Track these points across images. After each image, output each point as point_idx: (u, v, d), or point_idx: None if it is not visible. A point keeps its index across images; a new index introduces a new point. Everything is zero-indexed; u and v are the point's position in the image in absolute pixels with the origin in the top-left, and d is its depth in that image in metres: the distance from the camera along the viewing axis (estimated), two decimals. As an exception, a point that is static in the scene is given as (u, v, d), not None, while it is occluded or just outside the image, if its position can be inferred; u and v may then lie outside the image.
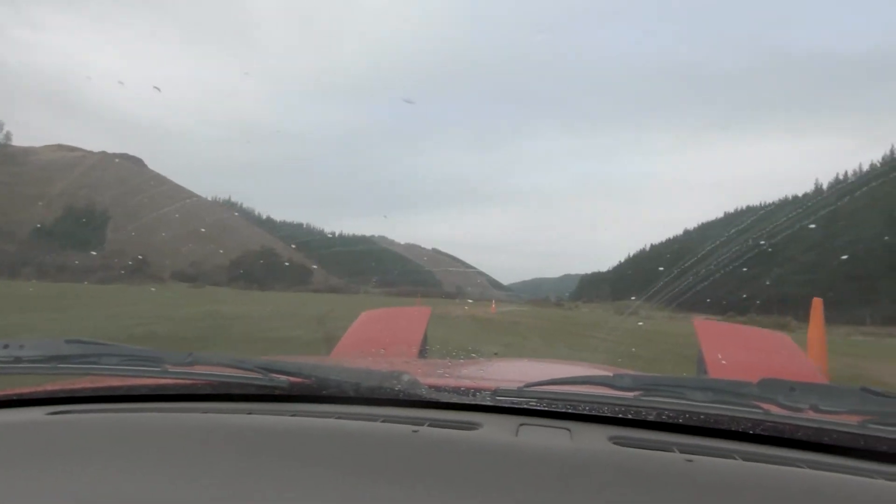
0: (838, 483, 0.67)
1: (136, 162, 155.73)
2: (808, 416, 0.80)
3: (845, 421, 0.80)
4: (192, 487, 0.62)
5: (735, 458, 0.74)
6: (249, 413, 0.89)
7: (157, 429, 0.81)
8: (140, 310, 14.16)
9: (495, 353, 6.88)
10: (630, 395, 0.89)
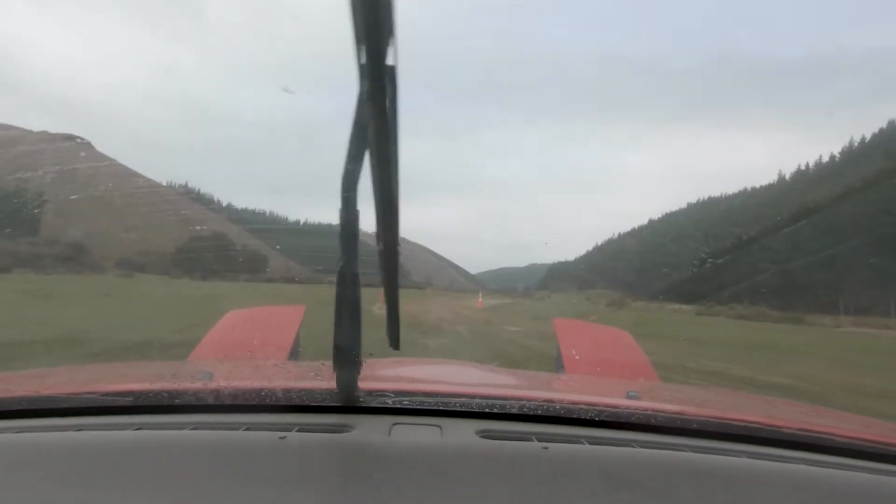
0: (661, 458, 0.78)
1: (83, 144, 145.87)
2: (641, 403, 0.92)
3: (665, 405, 0.92)
4: None
5: (583, 443, 0.81)
6: (79, 430, 0.79)
7: None
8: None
9: (370, 354, 6.18)
10: (497, 390, 0.95)
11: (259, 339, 2.17)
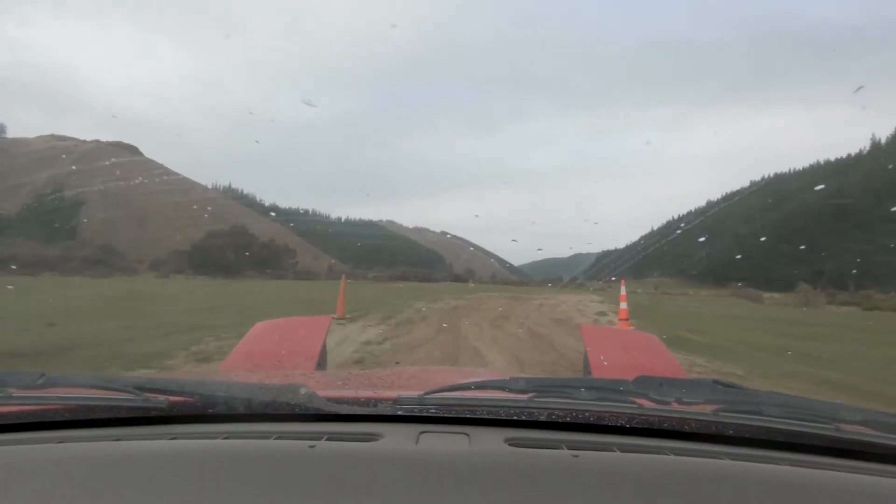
0: (696, 465, 0.74)
1: (131, 150, 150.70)
2: (673, 408, 0.89)
3: (701, 411, 0.88)
4: None
5: (614, 451, 0.79)
6: (117, 439, 0.80)
7: (1, 464, 0.71)
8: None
9: (397, 363, 5.93)
10: (524, 397, 0.94)
11: (287, 349, 2.18)
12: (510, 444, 0.80)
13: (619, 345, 2.43)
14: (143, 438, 0.82)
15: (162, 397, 0.88)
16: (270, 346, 2.26)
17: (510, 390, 0.97)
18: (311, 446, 0.74)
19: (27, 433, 0.85)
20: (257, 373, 1.81)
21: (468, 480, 0.66)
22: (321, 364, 2.14)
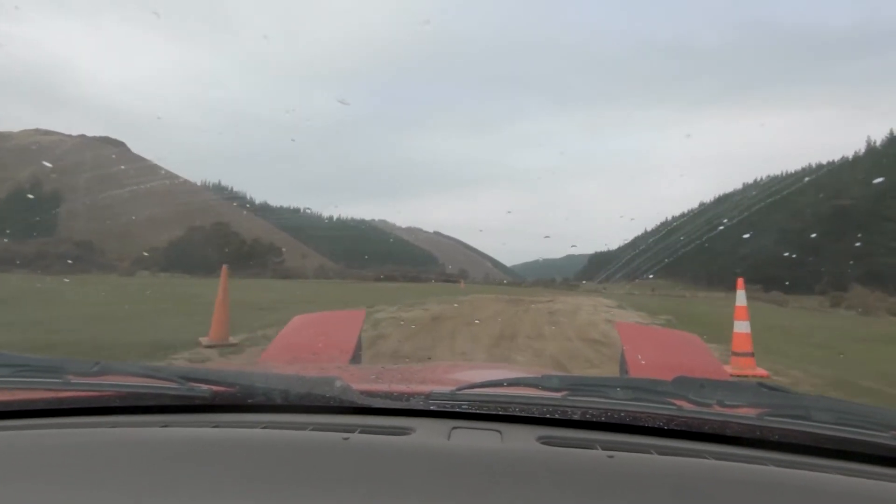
0: (738, 471, 0.71)
1: (118, 145, 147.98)
2: (715, 411, 0.86)
3: (745, 414, 0.86)
4: None
5: (651, 453, 0.77)
6: (165, 426, 0.84)
7: (58, 446, 0.75)
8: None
9: (428, 358, 6.01)
10: (557, 395, 0.93)
11: (323, 342, 2.24)
12: (543, 443, 0.79)
13: (658, 344, 2.38)
14: (187, 426, 0.86)
15: (205, 387, 0.91)
16: (307, 339, 2.33)
17: (543, 388, 0.97)
18: (346, 438, 0.75)
19: (83, 417, 0.90)
20: (294, 365, 1.87)
21: (500, 477, 0.65)
22: (356, 358, 2.17)
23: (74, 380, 0.92)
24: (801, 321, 15.88)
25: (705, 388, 0.90)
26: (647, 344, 2.32)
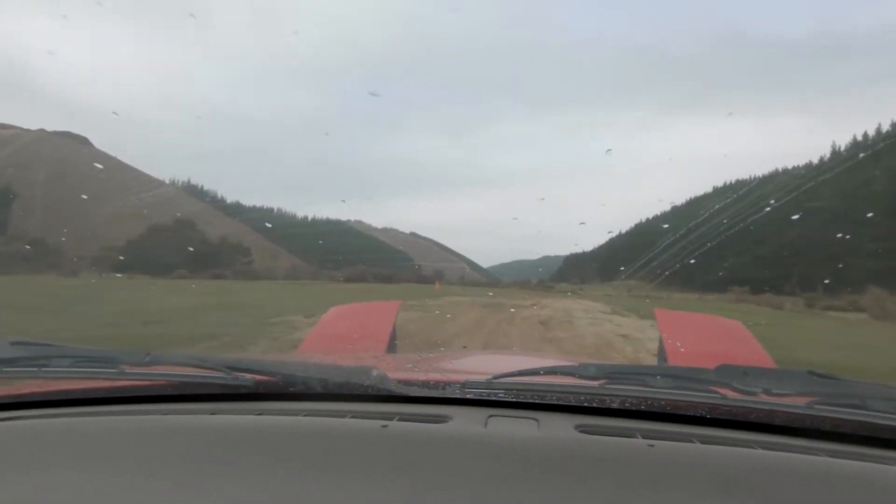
0: (787, 461, 0.70)
1: (81, 140, 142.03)
2: (761, 399, 0.85)
3: (793, 403, 0.84)
4: (155, 490, 0.61)
5: (694, 442, 0.77)
6: (213, 413, 0.88)
7: (115, 432, 0.79)
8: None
9: (464, 347, 6.32)
10: (595, 383, 0.92)
11: (359, 333, 2.28)
12: (581, 431, 0.79)
13: (698, 331, 2.30)
14: (233, 413, 0.89)
15: (249, 376, 0.94)
16: (344, 329, 2.34)
17: (580, 376, 0.97)
18: (384, 426, 0.77)
19: (136, 405, 0.95)
20: (332, 354, 1.91)
21: (537, 465, 0.65)
22: (391, 347, 2.18)
23: (128, 370, 0.96)
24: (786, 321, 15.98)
25: (749, 375, 0.88)
26: (687, 331, 2.22)
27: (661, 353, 2.09)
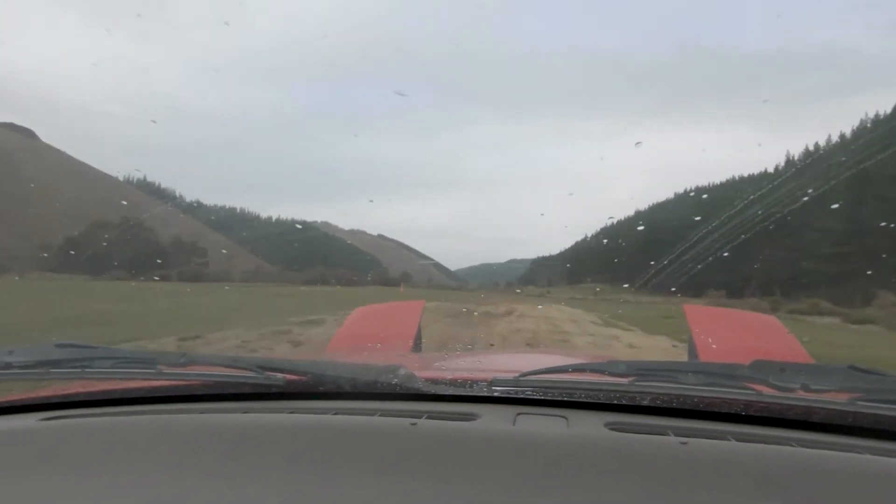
0: (828, 459, 0.68)
1: (26, 133, 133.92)
2: (799, 396, 0.82)
3: (833, 399, 0.82)
4: (192, 488, 0.63)
5: (729, 440, 0.75)
6: (246, 412, 0.90)
7: (154, 431, 0.82)
8: None
9: (491, 345, 6.27)
10: (625, 381, 0.91)
11: (385, 332, 2.30)
12: (611, 429, 0.78)
13: (730, 326, 2.24)
14: (266, 412, 0.92)
15: (280, 375, 0.96)
16: (370, 328, 2.37)
17: (609, 374, 0.96)
18: (413, 424, 0.77)
19: (174, 404, 0.99)
20: (359, 354, 1.92)
21: (567, 463, 0.65)
22: (417, 346, 2.20)
23: (165, 370, 0.98)
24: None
25: (787, 371, 0.85)
26: (719, 327, 2.19)
27: (692, 350, 2.02)
